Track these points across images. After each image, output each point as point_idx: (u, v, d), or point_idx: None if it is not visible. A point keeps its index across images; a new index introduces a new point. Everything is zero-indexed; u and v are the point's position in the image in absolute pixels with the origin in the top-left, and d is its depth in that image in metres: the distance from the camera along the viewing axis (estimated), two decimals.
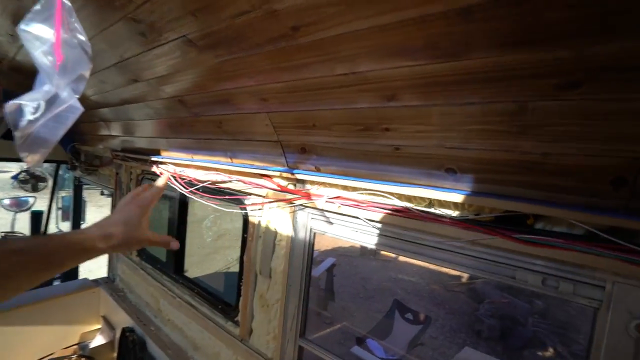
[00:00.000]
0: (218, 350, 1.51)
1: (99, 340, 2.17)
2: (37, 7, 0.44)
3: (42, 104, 0.44)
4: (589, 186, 0.62)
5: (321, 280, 6.05)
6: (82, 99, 1.69)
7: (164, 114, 1.44)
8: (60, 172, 3.10)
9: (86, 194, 3.42)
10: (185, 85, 1.12)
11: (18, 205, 4.31)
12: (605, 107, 0.53)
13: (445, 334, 5.08)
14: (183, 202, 1.92)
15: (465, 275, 6.57)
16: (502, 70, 0.56)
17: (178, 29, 0.75)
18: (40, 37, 0.43)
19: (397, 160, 0.85)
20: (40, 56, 0.42)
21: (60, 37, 0.43)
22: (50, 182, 3.02)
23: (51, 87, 0.43)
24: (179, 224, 1.94)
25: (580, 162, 0.61)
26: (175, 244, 0.69)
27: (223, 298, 1.59)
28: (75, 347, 2.13)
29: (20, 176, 2.68)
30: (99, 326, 2.30)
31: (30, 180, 2.71)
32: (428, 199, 0.87)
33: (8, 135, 2.15)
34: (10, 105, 0.43)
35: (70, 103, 0.48)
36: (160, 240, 0.68)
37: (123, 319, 2.07)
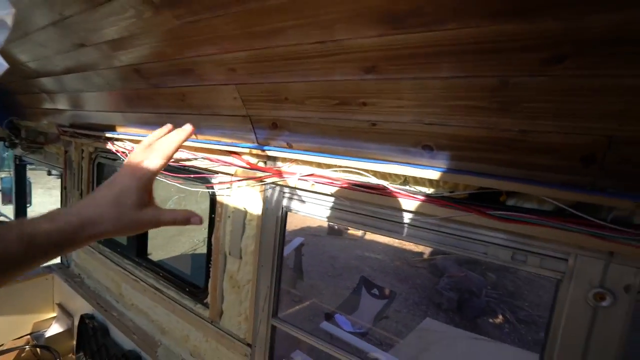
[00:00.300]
0: (187, 333, 1.47)
1: (54, 329, 2.04)
2: None
3: None
4: (561, 164, 0.63)
5: (290, 259, 6.10)
6: (17, 65, 1.48)
7: (119, 86, 1.30)
8: None
9: (32, 174, 3.11)
10: (142, 52, 1.00)
11: None
12: (585, 83, 0.53)
13: (408, 307, 5.38)
14: None
15: (427, 252, 6.94)
16: (489, 42, 0.53)
17: None
18: None
19: (373, 136, 0.82)
20: None
21: None
22: None
23: None
24: None
25: (555, 139, 0.61)
26: (197, 219, 0.48)
27: (190, 280, 1.53)
28: (28, 337, 1.99)
29: None
30: (54, 314, 2.15)
31: None
32: (403, 176, 0.86)
33: None
34: None
35: None
36: (174, 218, 0.48)
37: (81, 306, 1.95)
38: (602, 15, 0.44)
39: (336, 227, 8.79)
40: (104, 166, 1.91)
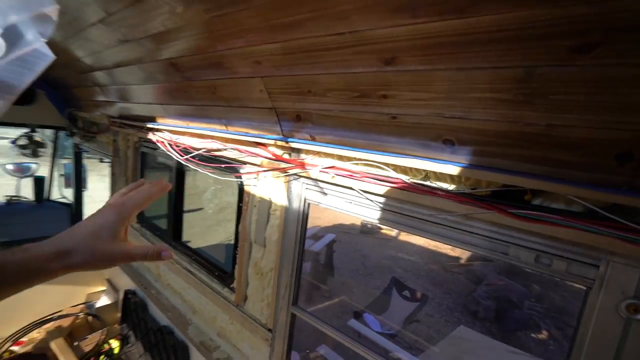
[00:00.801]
0: (215, 315, 1.55)
1: (104, 301, 2.25)
2: None
3: (3, 44, 0.41)
4: (593, 161, 0.59)
5: (321, 255, 6.16)
6: (73, 61, 1.64)
7: (158, 79, 1.39)
8: (61, 139, 3.11)
9: (87, 162, 3.44)
10: (177, 47, 1.07)
11: (22, 171, 4.37)
12: (617, 73, 0.48)
13: (441, 312, 5.21)
14: (180, 171, 1.91)
15: (464, 257, 6.66)
16: (513, 29, 0.51)
17: None
18: None
19: (393, 129, 0.81)
20: None
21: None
22: (50, 149, 3.03)
23: (4, 18, 0.39)
24: (176, 192, 1.94)
25: (585, 134, 0.57)
26: (167, 253, 0.51)
27: (220, 265, 1.62)
28: (82, 306, 2.22)
29: (19, 141, 2.67)
30: (103, 288, 2.38)
31: (30, 146, 2.71)
32: (424, 171, 0.84)
33: None
34: None
35: (37, 47, 0.45)
36: (145, 253, 0.50)
37: (126, 282, 2.14)
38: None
39: (369, 225, 8.72)
40: (146, 155, 2.06)
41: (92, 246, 0.45)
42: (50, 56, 0.48)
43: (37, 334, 1.93)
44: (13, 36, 0.41)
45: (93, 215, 0.50)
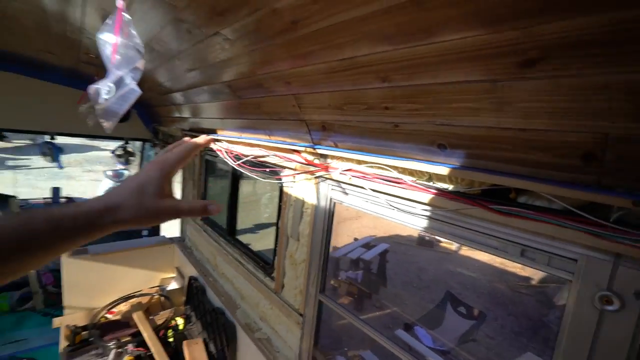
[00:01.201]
0: (258, 301, 1.78)
1: (173, 285, 2.65)
2: (108, 20, 0.65)
3: (113, 87, 0.66)
4: (563, 161, 0.65)
5: (373, 264, 6.17)
6: (156, 85, 2.04)
7: (219, 98, 1.69)
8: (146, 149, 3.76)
9: None
10: (230, 72, 1.32)
11: (117, 176, 5.34)
12: (566, 82, 0.56)
13: (504, 335, 4.84)
14: (235, 176, 2.21)
15: (535, 277, 6.09)
16: (473, 50, 0.61)
17: (212, 26, 0.93)
18: (107, 42, 0.64)
19: (397, 136, 0.94)
20: (107, 54, 0.63)
21: (118, 40, 0.63)
22: (138, 157, 3.68)
23: (112, 76, 0.64)
24: (231, 195, 2.24)
25: (554, 137, 0.64)
26: (213, 207, 0.49)
27: (264, 257, 1.84)
28: (157, 288, 2.64)
29: (117, 151, 3.33)
30: (173, 275, 2.79)
31: (124, 155, 3.35)
32: (427, 172, 0.94)
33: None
34: (91, 88, 0.66)
35: (131, 87, 0.69)
36: (190, 207, 0.50)
37: (190, 270, 2.50)
38: (552, 24, 0.49)
39: (426, 237, 8.44)
40: (209, 162, 2.42)
41: (138, 202, 0.46)
42: (138, 91, 0.72)
43: (123, 307, 2.38)
44: (119, 82, 0.65)
45: (138, 173, 0.50)
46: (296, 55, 0.91)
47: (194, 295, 2.32)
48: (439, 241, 8.46)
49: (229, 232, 2.24)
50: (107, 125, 0.68)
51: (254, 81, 1.25)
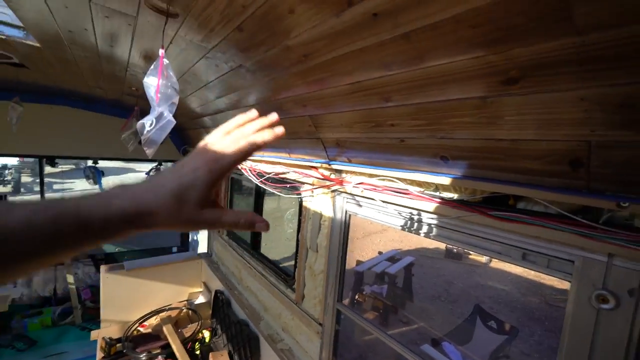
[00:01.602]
0: (280, 312, 1.85)
1: (200, 299, 2.77)
2: (152, 66, 0.79)
3: (154, 120, 0.79)
4: (553, 168, 0.70)
5: (399, 278, 6.07)
6: (189, 111, 2.23)
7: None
8: None
9: None
10: (252, 98, 1.46)
11: None
12: (545, 97, 0.63)
13: (540, 352, 4.58)
14: (258, 192, 2.34)
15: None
16: (459, 72, 0.70)
17: (236, 60, 1.07)
18: (151, 84, 0.77)
19: (403, 150, 1.01)
20: (151, 94, 0.77)
21: (160, 82, 0.77)
22: None
23: (155, 112, 0.77)
24: (255, 211, 2.37)
25: (543, 146, 0.70)
26: (262, 225, 0.42)
27: (285, 270, 1.93)
28: (185, 302, 2.77)
29: (151, 172, 3.59)
30: (200, 289, 2.92)
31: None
32: (434, 183, 1.00)
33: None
34: (139, 123, 0.79)
35: (168, 119, 0.82)
36: (236, 220, 0.42)
37: (216, 284, 2.62)
38: (525, 48, 0.57)
39: (454, 250, 8.21)
40: (234, 180, 2.57)
41: (176, 210, 0.38)
42: (174, 122, 0.85)
43: (154, 320, 2.51)
44: (159, 116, 0.78)
45: (179, 170, 0.40)
46: (309, 82, 1.02)
47: (220, 308, 2.42)
48: (468, 254, 8.20)
49: (253, 246, 2.35)
50: (149, 152, 0.82)
51: (274, 105, 1.37)
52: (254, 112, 0.47)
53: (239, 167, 2.11)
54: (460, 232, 0.93)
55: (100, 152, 2.92)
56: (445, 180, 0.90)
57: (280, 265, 2.06)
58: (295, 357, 1.68)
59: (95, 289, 2.96)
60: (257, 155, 1.96)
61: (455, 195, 0.94)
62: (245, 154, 0.42)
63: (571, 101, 0.60)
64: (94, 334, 2.35)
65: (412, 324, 5.29)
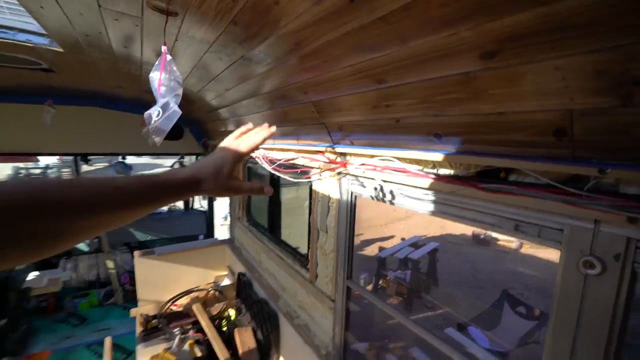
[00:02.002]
0: (296, 291, 1.94)
1: (226, 282, 2.94)
2: (157, 62, 0.86)
3: (160, 111, 0.87)
4: (539, 139, 0.71)
5: (423, 264, 6.05)
6: (205, 104, 2.33)
7: (254, 110, 1.91)
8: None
9: None
10: (258, 89, 1.52)
11: None
12: (523, 69, 0.64)
13: None
14: (273, 180, 2.42)
15: None
16: (439, 50, 0.71)
17: (237, 52, 1.13)
18: (155, 79, 0.85)
19: (400, 130, 1.04)
20: (155, 87, 0.84)
21: (163, 76, 0.84)
22: None
23: (160, 103, 0.85)
24: (271, 197, 2.45)
25: (527, 117, 0.71)
26: (268, 189, 0.65)
27: (300, 251, 2.01)
28: (212, 284, 2.95)
29: (174, 166, 3.78)
30: (226, 272, 3.09)
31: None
32: (430, 161, 1.02)
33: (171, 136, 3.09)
34: (146, 113, 0.87)
35: (174, 109, 0.89)
36: (251, 187, 0.65)
37: (239, 267, 2.76)
38: (496, 22, 0.58)
39: (482, 236, 8.04)
40: (250, 168, 2.67)
41: (215, 179, 0.60)
42: (179, 112, 0.93)
43: (184, 300, 2.71)
44: (165, 106, 0.85)
45: (215, 155, 0.63)
46: (306, 69, 1.06)
47: (243, 289, 2.56)
48: (496, 239, 8.00)
49: (270, 230, 2.45)
50: (157, 139, 0.90)
51: (279, 93, 1.42)
52: (249, 125, 0.73)
53: (253, 156, 2.20)
54: (455, 206, 0.95)
55: (126, 148, 3.12)
56: (439, 157, 0.92)
57: (295, 247, 2.15)
58: (311, 332, 1.77)
59: (132, 274, 3.22)
60: (269, 144, 2.03)
61: (450, 171, 0.96)
62: (252, 145, 0.67)
63: (548, 71, 0.61)
64: (133, 312, 2.58)
65: (437, 309, 5.28)
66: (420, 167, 1.06)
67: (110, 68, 1.77)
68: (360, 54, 0.85)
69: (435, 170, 1.01)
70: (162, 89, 0.84)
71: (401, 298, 5.51)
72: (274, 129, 0.71)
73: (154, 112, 0.86)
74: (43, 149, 2.82)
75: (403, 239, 8.23)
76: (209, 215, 4.12)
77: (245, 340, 2.14)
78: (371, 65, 0.88)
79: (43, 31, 1.31)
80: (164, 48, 0.87)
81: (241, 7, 0.80)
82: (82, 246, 4.12)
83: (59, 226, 0.43)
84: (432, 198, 1.02)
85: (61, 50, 1.48)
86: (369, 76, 0.94)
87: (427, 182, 1.00)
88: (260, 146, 0.69)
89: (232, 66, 1.31)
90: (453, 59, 0.71)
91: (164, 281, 2.74)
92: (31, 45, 1.45)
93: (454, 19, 0.61)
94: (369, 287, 5.87)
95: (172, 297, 2.69)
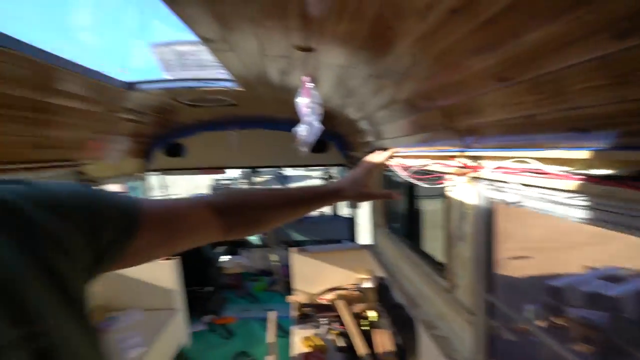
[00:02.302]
0: (434, 300, 1.92)
1: (367, 284, 3.13)
2: (299, 90, 1.13)
3: (306, 128, 1.13)
4: None
5: (625, 304, 4.68)
6: (346, 120, 2.65)
7: (390, 120, 2.05)
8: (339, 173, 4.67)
9: None
10: (392, 99, 1.65)
11: None
12: None
13: None
14: (410, 188, 2.47)
15: None
16: (567, 35, 0.66)
17: (370, 70, 1.30)
18: (300, 103, 1.11)
19: (534, 128, 0.96)
20: (300, 110, 1.11)
21: (306, 101, 1.10)
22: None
23: (305, 122, 1.10)
24: (409, 205, 2.50)
25: None
26: (396, 195, 0.88)
27: (438, 260, 1.98)
28: (354, 285, 3.21)
29: (324, 176, 4.36)
30: (367, 276, 3.29)
31: (329, 180, 4.32)
32: (578, 160, 0.89)
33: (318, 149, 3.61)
34: (293, 130, 1.16)
35: (317, 126, 1.14)
36: (381, 193, 0.94)
37: (379, 272, 2.90)
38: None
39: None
40: (386, 177, 2.80)
41: (353, 188, 0.82)
42: (321, 127, 1.17)
43: (330, 295, 3.05)
44: (309, 124, 1.11)
45: (354, 170, 0.89)
46: (427, 78, 1.13)
47: (383, 293, 2.68)
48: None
49: (409, 238, 2.49)
50: (304, 150, 1.16)
51: (408, 102, 1.52)
52: (380, 152, 1.00)
53: (389, 164, 2.32)
54: (612, 212, 0.80)
55: (284, 162, 3.86)
56: (587, 155, 0.81)
57: (433, 255, 2.12)
58: (450, 344, 1.72)
59: (288, 268, 3.88)
60: (403, 151, 2.11)
61: (604, 171, 0.82)
62: (377, 166, 0.93)
63: None
64: (289, 298, 3.13)
65: None
66: (566, 168, 0.93)
67: (271, 97, 2.30)
68: (475, 57, 0.87)
69: (583, 171, 0.88)
70: (306, 110, 1.10)
71: (591, 347, 4.34)
72: (388, 154, 1.02)
73: (301, 129, 1.13)
74: (228, 164, 3.86)
75: (590, 268, 6.43)
76: (352, 221, 4.47)
77: (383, 341, 2.25)
78: (488, 66, 0.88)
79: (231, 77, 1.88)
80: (305, 78, 1.14)
81: (364, 35, 0.97)
82: (256, 240, 5.28)
83: (257, 215, 0.74)
84: (581, 202, 0.88)
85: (242, 89, 2.06)
86: (489, 77, 0.92)
87: (574, 184, 0.88)
88: (390, 158, 0.97)
89: (364, 82, 1.50)
90: (579, 45, 0.65)
91: (313, 276, 3.18)
92: (224, 89, 2.09)
93: (569, 5, 0.58)
94: (538, 322, 4.90)
95: (320, 291, 3.09)
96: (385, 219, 3.08)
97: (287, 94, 2.17)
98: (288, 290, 3.61)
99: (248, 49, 1.34)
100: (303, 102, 1.10)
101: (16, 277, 0.35)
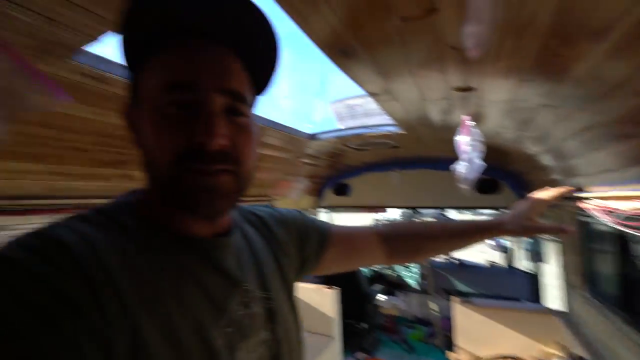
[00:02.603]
0: None
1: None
2: (459, 128, 1.14)
3: (466, 164, 1.11)
4: None
5: None
6: (521, 154, 2.35)
7: (579, 153, 1.68)
8: None
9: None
10: (581, 129, 1.39)
11: (498, 245, 5.82)
12: None
13: None
14: (623, 238, 1.86)
15: None
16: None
17: (540, 100, 1.17)
18: (459, 141, 1.12)
19: None
20: (459, 147, 1.11)
21: (465, 139, 1.09)
22: None
23: (465, 159, 1.09)
24: (622, 261, 1.88)
25: None
26: (569, 229, 0.74)
27: None
28: (536, 358, 2.56)
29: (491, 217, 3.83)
30: (557, 351, 2.57)
31: None
32: None
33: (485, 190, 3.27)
34: (451, 166, 1.15)
35: (478, 162, 1.11)
36: (550, 227, 0.80)
37: (576, 349, 2.22)
38: None
39: None
40: (584, 224, 2.20)
41: (516, 222, 0.78)
42: (482, 164, 1.13)
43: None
44: (470, 160, 1.10)
45: (518, 206, 0.83)
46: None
47: None
48: None
49: (625, 308, 1.84)
50: (465, 187, 1.14)
51: (612, 127, 1.24)
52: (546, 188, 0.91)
53: (583, 207, 1.85)
54: None
55: (447, 203, 3.63)
56: None
57: None
58: None
59: (449, 321, 3.48)
60: (603, 191, 1.66)
61: None
62: (546, 200, 0.84)
63: None
64: (450, 355, 2.79)
65: None
66: None
67: (432, 137, 2.32)
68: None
69: None
70: (467, 147, 1.10)
71: None
72: (568, 189, 0.96)
73: (460, 166, 1.13)
74: (389, 203, 3.95)
75: None
76: (536, 278, 3.64)
77: None
78: None
79: (393, 122, 2.03)
80: (464, 117, 1.14)
81: (527, 67, 0.92)
82: (414, 284, 5.00)
83: (417, 244, 0.82)
84: None
85: (404, 132, 2.18)
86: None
87: None
88: (563, 195, 0.86)
89: (533, 113, 1.35)
90: None
91: (481, 335, 2.74)
92: (387, 133, 2.26)
93: None
94: None
95: (489, 355, 2.63)
96: (584, 279, 2.38)
97: (449, 133, 2.16)
98: (448, 346, 3.26)
99: (409, 96, 1.47)
100: (463, 140, 1.11)
101: (263, 260, 0.60)
